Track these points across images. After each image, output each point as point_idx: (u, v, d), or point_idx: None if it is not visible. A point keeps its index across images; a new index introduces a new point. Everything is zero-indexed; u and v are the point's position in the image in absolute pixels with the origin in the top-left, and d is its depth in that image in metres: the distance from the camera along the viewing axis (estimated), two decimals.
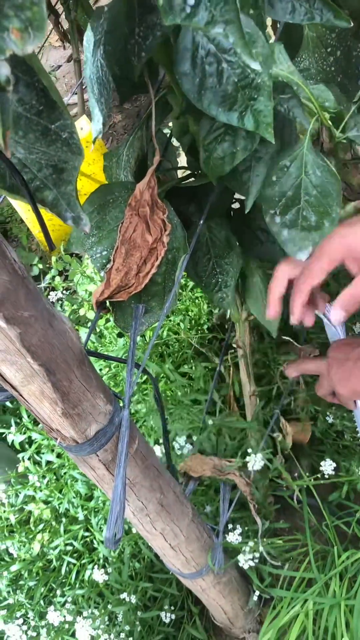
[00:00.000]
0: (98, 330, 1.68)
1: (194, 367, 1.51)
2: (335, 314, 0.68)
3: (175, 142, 0.94)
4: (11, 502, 1.37)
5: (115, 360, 0.73)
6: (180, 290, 1.73)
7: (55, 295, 1.74)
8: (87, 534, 1.34)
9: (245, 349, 1.18)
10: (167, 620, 1.24)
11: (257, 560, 1.08)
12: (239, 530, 1.09)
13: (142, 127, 0.84)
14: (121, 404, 0.69)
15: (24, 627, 1.18)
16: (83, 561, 1.32)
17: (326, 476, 1.15)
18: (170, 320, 1.64)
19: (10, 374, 0.54)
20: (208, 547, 1.02)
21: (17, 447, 1.47)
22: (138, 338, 1.63)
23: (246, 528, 1.15)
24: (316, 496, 1.21)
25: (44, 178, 0.59)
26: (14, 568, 1.29)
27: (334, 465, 1.14)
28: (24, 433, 1.47)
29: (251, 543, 1.08)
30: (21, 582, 1.30)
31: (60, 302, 1.76)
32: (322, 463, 1.11)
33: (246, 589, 1.25)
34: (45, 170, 0.59)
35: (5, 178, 0.60)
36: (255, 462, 1.10)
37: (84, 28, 2.64)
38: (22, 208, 2.25)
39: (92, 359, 0.64)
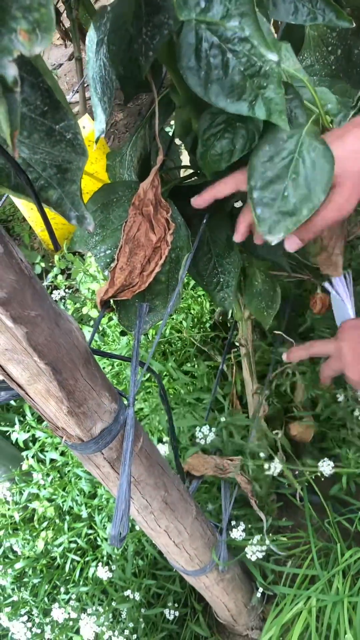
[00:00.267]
0: (101, 328, 1.68)
1: (196, 366, 1.52)
2: (290, 242, 0.67)
3: (177, 141, 0.95)
4: (15, 499, 1.37)
5: (119, 358, 0.74)
6: (182, 289, 1.73)
7: (58, 293, 1.75)
8: (90, 531, 1.34)
9: (248, 347, 1.18)
10: (171, 618, 1.25)
11: (264, 553, 1.09)
12: (242, 527, 1.09)
13: (145, 126, 0.84)
14: (126, 402, 0.70)
15: (29, 624, 1.19)
16: (87, 559, 1.32)
17: (326, 475, 1.15)
18: (172, 319, 1.64)
19: (17, 373, 0.54)
20: (212, 545, 1.03)
21: (21, 445, 1.48)
22: (141, 336, 1.63)
23: (249, 525, 1.16)
24: (319, 493, 1.21)
25: (49, 177, 0.59)
26: (18, 565, 1.29)
27: (332, 465, 1.14)
28: (28, 431, 1.47)
29: (257, 537, 1.08)
30: (25, 580, 1.31)
31: (62, 300, 1.77)
32: (319, 464, 1.11)
33: (249, 586, 1.25)
34: (49, 170, 0.59)
35: (10, 177, 0.60)
36: (276, 468, 1.10)
37: (85, 26, 2.64)
38: (24, 207, 2.26)
39: (96, 357, 0.64)
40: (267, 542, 1.10)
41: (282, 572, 1.22)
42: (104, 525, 1.32)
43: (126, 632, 1.16)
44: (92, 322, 1.72)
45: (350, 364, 0.75)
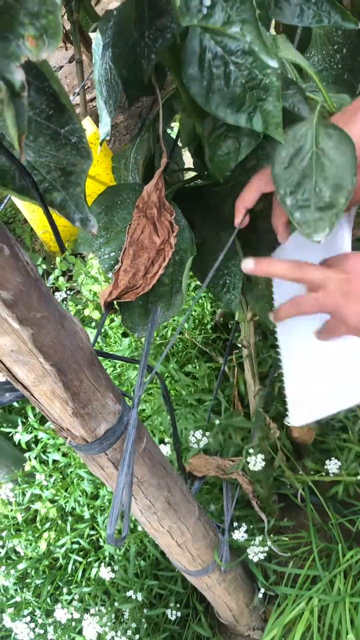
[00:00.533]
0: (103, 330, 1.69)
1: (198, 367, 1.52)
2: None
3: (181, 144, 0.95)
4: (18, 501, 1.38)
5: (124, 360, 0.74)
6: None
7: (60, 295, 1.75)
8: (93, 532, 1.35)
9: (250, 349, 1.19)
10: (173, 618, 1.25)
11: (265, 554, 1.09)
12: (244, 527, 1.10)
13: (149, 129, 0.84)
14: (130, 404, 0.70)
15: (32, 625, 1.19)
16: (89, 559, 1.33)
17: (331, 474, 1.16)
18: (174, 321, 1.65)
19: (23, 374, 0.55)
20: (214, 545, 1.03)
21: (24, 446, 1.48)
22: (142, 338, 1.64)
23: (251, 526, 1.16)
24: (318, 494, 1.22)
25: (53, 180, 0.60)
26: (21, 566, 1.30)
27: (339, 464, 1.15)
28: (30, 432, 1.48)
29: (259, 538, 1.09)
30: (28, 580, 1.31)
31: (64, 302, 1.77)
32: (327, 462, 1.12)
33: (251, 587, 1.25)
34: (54, 173, 0.59)
35: (14, 180, 0.61)
36: (256, 463, 1.11)
37: (85, 29, 2.65)
38: (26, 209, 2.26)
39: (99, 359, 0.65)
40: (269, 542, 1.10)
41: (283, 572, 1.22)
42: (106, 526, 1.32)
43: (128, 632, 1.17)
44: (93, 324, 1.73)
45: (351, 302, 0.60)
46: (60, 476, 1.41)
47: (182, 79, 0.65)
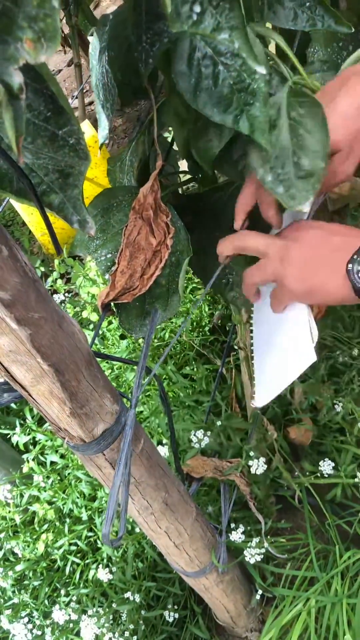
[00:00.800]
0: (101, 332, 1.69)
1: (195, 369, 1.53)
2: None
3: (176, 147, 0.96)
4: (16, 502, 1.38)
5: (122, 361, 0.74)
6: (182, 293, 1.74)
7: (58, 297, 1.76)
8: (90, 534, 1.35)
9: (247, 351, 1.19)
10: (171, 620, 1.25)
11: (262, 556, 1.10)
12: (241, 529, 1.10)
13: (145, 132, 0.85)
14: (128, 405, 0.70)
15: (29, 626, 1.19)
16: (87, 561, 1.33)
17: (325, 475, 1.16)
18: (171, 322, 1.65)
19: (21, 374, 0.55)
20: (211, 546, 1.04)
21: (22, 448, 1.49)
22: (140, 340, 1.64)
23: (248, 527, 1.16)
24: (316, 496, 1.22)
25: (51, 182, 0.60)
26: (19, 568, 1.30)
27: (333, 464, 1.15)
28: (28, 434, 1.48)
29: (256, 539, 1.09)
30: (26, 582, 1.31)
31: (62, 304, 1.78)
32: (320, 463, 1.12)
33: (248, 588, 1.26)
34: (51, 175, 0.60)
35: (12, 182, 0.61)
36: (258, 466, 1.11)
37: (84, 33, 2.66)
38: (24, 211, 2.27)
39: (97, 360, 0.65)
40: (266, 544, 1.11)
41: (281, 574, 1.23)
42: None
43: (126, 633, 1.17)
44: (91, 326, 1.73)
45: (295, 271, 0.59)
46: (58, 478, 1.41)
47: (171, 74, 0.65)
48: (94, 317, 1.65)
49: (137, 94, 0.81)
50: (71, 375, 0.58)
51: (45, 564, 1.33)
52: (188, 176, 0.89)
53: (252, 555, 1.09)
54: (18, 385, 0.58)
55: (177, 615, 1.26)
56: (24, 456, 1.46)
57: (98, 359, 0.65)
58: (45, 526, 1.35)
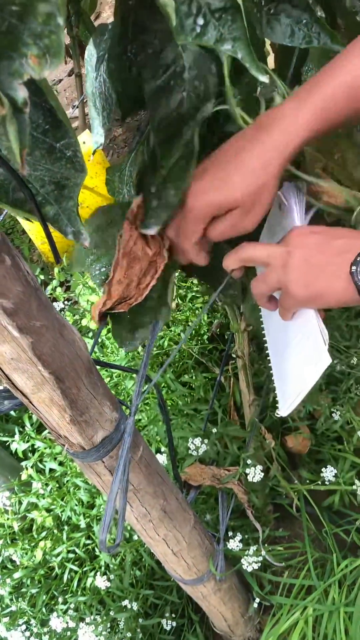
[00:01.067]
0: (100, 340, 1.70)
1: (194, 377, 1.53)
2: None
3: None
4: (14, 509, 1.38)
5: (122, 369, 0.75)
6: (180, 301, 1.75)
7: (57, 305, 1.76)
8: (88, 541, 1.35)
9: (245, 359, 1.20)
10: (168, 628, 1.25)
11: (259, 564, 1.10)
12: (239, 537, 1.11)
13: (144, 143, 0.86)
14: (127, 412, 0.71)
15: (27, 634, 1.20)
16: (85, 568, 1.33)
17: (327, 482, 1.17)
18: (170, 331, 1.66)
19: (22, 381, 0.56)
20: (209, 554, 1.04)
21: (20, 455, 1.49)
22: (139, 348, 1.65)
23: (246, 536, 1.17)
24: (313, 504, 1.23)
25: (46, 194, 0.61)
26: (17, 575, 1.30)
27: (335, 471, 1.16)
28: (27, 441, 1.49)
29: (253, 547, 1.10)
30: (23, 590, 1.32)
31: (62, 312, 1.78)
32: (323, 469, 1.13)
33: (246, 597, 1.26)
34: (47, 187, 0.61)
35: (8, 193, 0.62)
36: (255, 474, 1.12)
37: (85, 43, 2.68)
38: (24, 220, 2.28)
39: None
40: (263, 552, 1.11)
41: (278, 582, 1.23)
42: None
43: None
44: (91, 334, 1.74)
45: (298, 276, 0.60)
46: (57, 485, 1.41)
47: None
48: (94, 325, 1.65)
49: (137, 105, 0.82)
50: (71, 383, 0.58)
51: (43, 571, 1.33)
52: None
53: (250, 563, 1.09)
54: (19, 392, 0.58)
55: (174, 624, 1.26)
56: (23, 463, 1.46)
57: (98, 367, 0.66)
58: (44, 534, 1.35)
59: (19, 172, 0.56)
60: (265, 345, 0.78)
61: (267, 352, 0.78)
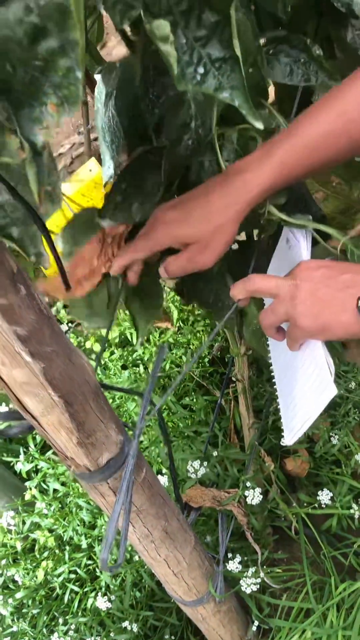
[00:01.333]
0: (103, 362, 1.72)
1: (195, 400, 1.55)
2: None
3: None
4: (17, 529, 1.39)
5: (126, 392, 0.78)
6: (181, 324, 1.78)
7: (62, 328, 1.79)
8: (90, 562, 1.36)
9: (244, 383, 1.22)
10: None
11: (258, 586, 1.11)
12: (238, 559, 1.12)
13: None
14: (130, 434, 0.74)
15: None
16: (86, 589, 1.34)
17: (323, 506, 1.19)
18: (172, 354, 1.69)
19: (32, 404, 0.59)
20: (209, 575, 1.05)
21: (24, 475, 1.51)
22: (141, 369, 1.68)
23: (245, 558, 1.18)
24: (311, 527, 1.24)
25: (16, 219, 0.63)
26: (19, 595, 1.31)
27: (331, 494, 1.18)
28: (31, 462, 1.50)
29: (252, 569, 1.11)
30: (25, 610, 1.32)
31: (65, 334, 1.81)
32: (319, 493, 1.15)
33: (245, 619, 1.27)
34: (17, 212, 0.63)
35: None
36: (254, 497, 1.13)
37: (90, 71, 2.74)
38: None
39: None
40: (262, 574, 1.12)
41: (277, 605, 1.24)
42: None
43: None
44: (93, 356, 1.77)
45: (306, 309, 0.61)
46: (59, 505, 1.43)
47: None
48: (97, 347, 1.68)
49: (143, 140, 0.86)
50: (79, 407, 0.61)
51: (44, 591, 1.34)
52: None
53: (249, 584, 1.10)
54: (29, 414, 0.61)
55: None
56: (26, 483, 1.48)
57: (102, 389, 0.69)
58: (46, 553, 1.37)
59: (33, 206, 0.60)
60: (270, 368, 0.81)
61: (269, 376, 0.80)
